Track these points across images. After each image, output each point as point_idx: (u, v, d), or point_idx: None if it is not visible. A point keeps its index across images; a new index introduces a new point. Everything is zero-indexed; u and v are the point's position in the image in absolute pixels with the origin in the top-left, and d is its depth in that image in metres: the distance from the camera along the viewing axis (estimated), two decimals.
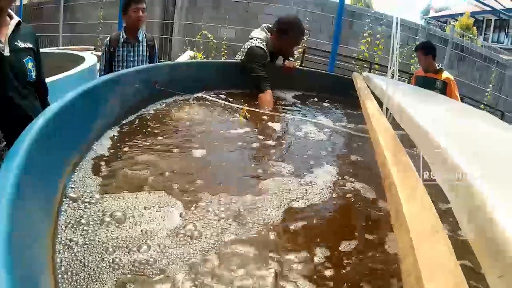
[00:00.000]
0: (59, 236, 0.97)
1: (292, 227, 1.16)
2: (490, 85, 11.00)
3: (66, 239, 0.96)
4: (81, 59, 4.45)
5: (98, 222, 1.05)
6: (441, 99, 2.32)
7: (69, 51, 5.87)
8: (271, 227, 1.14)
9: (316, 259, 1.01)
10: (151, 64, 3.12)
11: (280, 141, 2.00)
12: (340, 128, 2.34)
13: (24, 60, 1.87)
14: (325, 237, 1.13)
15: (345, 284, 0.93)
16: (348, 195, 1.43)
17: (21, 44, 1.86)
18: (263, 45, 2.98)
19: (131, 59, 3.39)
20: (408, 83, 5.80)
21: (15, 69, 1.82)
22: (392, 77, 1.62)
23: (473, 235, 0.53)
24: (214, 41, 10.98)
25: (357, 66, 9.29)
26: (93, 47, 8.98)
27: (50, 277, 0.82)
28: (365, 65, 9.38)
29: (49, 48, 7.92)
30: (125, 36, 3.40)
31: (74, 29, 13.27)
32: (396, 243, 0.69)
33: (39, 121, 1.08)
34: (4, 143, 1.62)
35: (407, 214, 0.64)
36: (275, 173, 1.52)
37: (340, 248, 1.08)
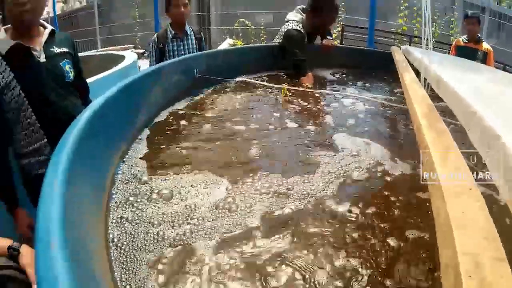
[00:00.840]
0: (111, 214, 1.05)
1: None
2: None
3: (118, 217, 1.05)
4: (121, 58, 4.49)
5: (146, 199, 1.14)
6: (480, 68, 2.27)
7: (109, 52, 5.95)
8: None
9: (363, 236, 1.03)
10: (191, 54, 3.14)
11: (322, 117, 2.03)
12: (377, 100, 2.34)
13: (61, 64, 2.00)
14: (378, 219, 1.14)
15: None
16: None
17: (56, 50, 2.00)
18: (299, 27, 2.99)
19: (182, 53, 3.38)
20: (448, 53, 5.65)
21: (52, 73, 1.95)
22: (427, 47, 1.59)
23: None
24: (252, 27, 10.94)
25: (397, 40, 9.09)
26: (132, 45, 9.13)
27: (103, 249, 0.91)
28: (405, 39, 9.17)
29: (88, 51, 8.04)
30: (173, 32, 3.37)
31: (110, 31, 13.53)
32: None
33: (86, 113, 1.14)
34: (45, 140, 1.70)
35: (440, 173, 0.65)
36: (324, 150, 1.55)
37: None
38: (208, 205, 1.13)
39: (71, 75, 2.04)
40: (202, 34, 3.65)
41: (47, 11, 13.40)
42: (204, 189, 1.22)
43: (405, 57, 2.18)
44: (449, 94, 1.08)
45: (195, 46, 3.47)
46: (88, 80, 3.22)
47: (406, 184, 1.31)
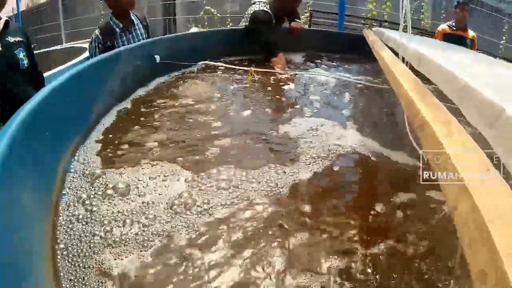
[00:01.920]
0: (60, 215, 0.96)
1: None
2: (504, 38, 10.61)
3: (67, 215, 0.96)
4: (83, 50, 4.36)
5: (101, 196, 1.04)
6: (456, 48, 2.22)
7: (71, 45, 5.80)
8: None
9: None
10: (152, 38, 2.73)
11: (291, 98, 1.98)
12: (349, 79, 2.31)
13: (15, 52, 2.08)
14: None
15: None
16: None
17: (11, 39, 2.09)
18: (266, 8, 2.86)
19: None
20: None
21: (8, 60, 2.04)
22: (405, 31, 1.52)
23: None
24: (218, 15, 10.75)
25: (366, 26, 9.03)
26: None
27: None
28: (374, 24, 9.10)
29: (53, 46, 7.83)
30: (120, 25, 2.90)
31: (76, 25, 13.21)
32: None
33: (29, 104, 1.03)
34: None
35: (451, 153, 0.54)
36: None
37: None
38: (165, 201, 1.03)
39: (26, 62, 2.11)
40: (147, 19, 3.25)
41: (12, 7, 13.10)
42: (162, 181, 1.12)
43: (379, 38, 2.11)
44: (434, 69, 0.98)
45: (145, 35, 3.09)
46: (50, 72, 3.09)
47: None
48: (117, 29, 2.88)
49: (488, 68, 1.20)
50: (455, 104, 0.83)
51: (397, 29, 1.71)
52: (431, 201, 1.09)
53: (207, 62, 2.42)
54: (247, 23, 2.91)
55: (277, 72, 2.42)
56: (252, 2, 2.98)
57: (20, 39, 2.13)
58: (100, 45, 2.85)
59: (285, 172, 1.19)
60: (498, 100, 0.58)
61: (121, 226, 0.93)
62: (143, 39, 3.01)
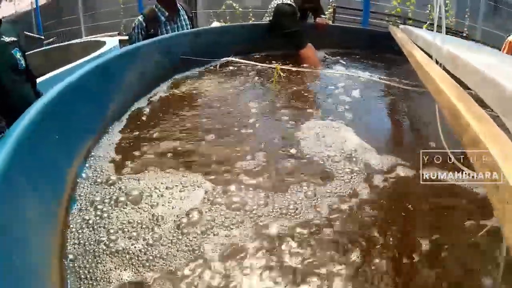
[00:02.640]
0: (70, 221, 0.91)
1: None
2: None
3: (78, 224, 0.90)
4: (102, 44, 4.31)
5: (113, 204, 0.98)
6: (488, 49, 2.12)
7: (89, 39, 5.78)
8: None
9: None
10: (175, 33, 2.72)
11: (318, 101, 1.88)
12: (373, 79, 2.19)
13: (12, 52, 1.98)
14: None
15: None
16: None
17: (6, 39, 1.98)
18: (290, 1, 2.78)
19: None
20: None
21: (6, 61, 1.95)
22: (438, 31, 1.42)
23: None
24: (240, 9, 10.67)
25: (390, 22, 8.91)
26: (117, 32, 8.90)
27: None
28: (398, 21, 8.98)
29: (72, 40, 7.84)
30: (166, 13, 2.84)
31: (95, 19, 13.26)
32: None
33: (38, 104, 0.96)
34: (4, 122, 1.59)
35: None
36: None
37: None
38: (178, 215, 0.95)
39: (23, 62, 2.03)
40: (191, 11, 3.22)
41: (31, 1, 13.19)
42: (180, 192, 1.04)
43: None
44: (473, 74, 0.89)
45: (189, 27, 3.02)
46: (67, 66, 3.06)
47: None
48: (162, 17, 2.84)
49: None
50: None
51: (421, 27, 1.63)
52: None
53: (229, 58, 2.34)
54: (270, 18, 2.82)
55: (304, 70, 2.34)
56: None
57: (14, 39, 2.04)
58: (143, 32, 2.81)
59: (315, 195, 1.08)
60: None
61: (126, 238, 0.87)
62: (188, 30, 2.96)
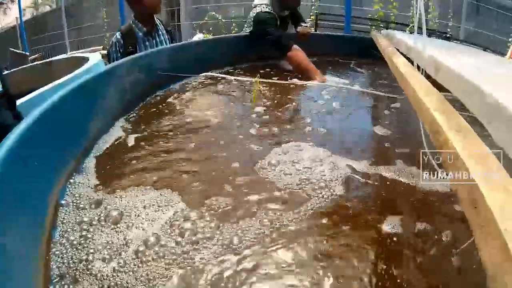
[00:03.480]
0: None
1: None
2: None
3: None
4: (86, 60, 4.26)
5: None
6: (470, 50, 2.11)
7: (74, 55, 5.74)
8: None
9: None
10: (150, 50, 2.49)
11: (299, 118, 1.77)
12: (354, 88, 2.19)
13: None
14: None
15: None
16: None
17: None
18: (269, 9, 2.77)
19: None
20: None
21: None
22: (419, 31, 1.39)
23: None
24: (223, 20, 10.65)
25: (373, 27, 8.92)
26: (101, 47, 8.87)
27: None
28: (382, 25, 8.98)
29: (56, 56, 7.79)
30: (144, 29, 2.78)
31: (80, 33, 13.26)
32: None
33: (17, 131, 0.94)
34: None
35: (493, 207, 0.43)
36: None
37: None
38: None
39: (0, 86, 1.92)
40: (170, 25, 3.18)
41: (16, 17, 13.20)
42: (155, 212, 1.01)
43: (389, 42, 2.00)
44: (455, 80, 0.87)
45: (168, 42, 2.97)
46: (50, 85, 3.01)
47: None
48: (140, 33, 2.79)
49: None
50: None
51: (404, 30, 1.59)
52: None
53: (209, 73, 2.31)
54: (251, 28, 2.81)
55: (285, 83, 2.28)
56: (253, 5, 2.89)
57: None
58: (121, 49, 2.74)
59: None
60: None
61: (100, 259, 0.84)
62: (167, 45, 2.92)
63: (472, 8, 10.23)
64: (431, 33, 7.77)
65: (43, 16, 15.13)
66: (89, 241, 0.90)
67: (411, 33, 1.52)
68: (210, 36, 8.72)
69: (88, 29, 13.07)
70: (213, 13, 10.66)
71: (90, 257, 0.84)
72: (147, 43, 2.81)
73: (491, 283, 0.43)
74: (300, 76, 2.50)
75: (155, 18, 2.89)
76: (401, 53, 1.59)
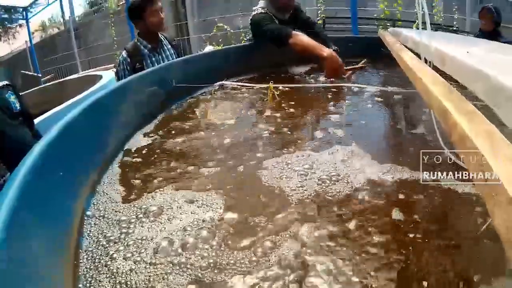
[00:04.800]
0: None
1: None
2: None
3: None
4: (99, 78, 4.33)
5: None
6: (475, 40, 2.12)
7: (86, 73, 5.81)
8: None
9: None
10: (163, 64, 2.46)
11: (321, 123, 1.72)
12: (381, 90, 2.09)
13: (6, 96, 1.99)
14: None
15: None
16: None
17: None
18: (264, 10, 2.71)
19: None
20: None
21: (1, 106, 1.94)
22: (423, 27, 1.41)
23: None
24: (232, 31, 10.67)
25: (380, 26, 8.90)
26: (113, 64, 8.97)
27: None
28: (388, 24, 8.97)
29: (69, 76, 7.86)
30: (148, 45, 2.87)
31: (90, 53, 13.41)
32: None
33: (39, 145, 0.96)
34: (8, 174, 1.63)
35: (505, 180, 0.46)
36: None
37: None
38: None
39: (18, 105, 2.03)
40: (175, 39, 3.25)
41: (25, 40, 13.41)
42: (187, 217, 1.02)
43: (396, 39, 2.03)
44: (462, 69, 0.91)
45: (175, 56, 3.05)
46: (65, 104, 3.07)
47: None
48: (145, 50, 2.86)
49: None
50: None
51: (411, 27, 1.60)
52: None
53: (223, 82, 2.30)
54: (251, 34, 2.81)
55: (300, 86, 2.22)
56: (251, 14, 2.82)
57: (7, 82, 2.06)
58: (128, 67, 2.81)
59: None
60: None
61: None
62: (173, 59, 2.95)
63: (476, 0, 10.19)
64: (437, 27, 7.77)
65: (51, 38, 15.31)
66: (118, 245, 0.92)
67: (417, 29, 1.53)
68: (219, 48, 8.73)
69: (97, 49, 13.22)
70: (221, 24, 10.69)
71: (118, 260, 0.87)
72: (153, 59, 2.88)
73: (507, 250, 0.45)
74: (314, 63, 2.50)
75: (159, 34, 2.96)
76: (409, 49, 1.61)
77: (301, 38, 2.44)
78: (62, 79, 5.92)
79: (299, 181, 1.15)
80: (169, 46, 3.03)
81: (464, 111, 0.66)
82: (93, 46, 13.52)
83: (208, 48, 8.43)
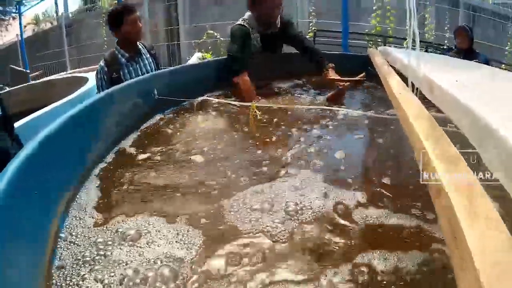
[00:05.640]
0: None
1: None
2: (508, 44, 10.41)
3: None
4: (85, 80, 4.27)
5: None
6: (470, 64, 2.07)
7: (73, 75, 5.76)
8: None
9: None
10: (143, 76, 2.40)
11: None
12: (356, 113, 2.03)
13: None
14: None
15: None
16: None
17: None
18: (245, 23, 2.58)
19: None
20: None
21: None
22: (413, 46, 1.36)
23: None
24: (222, 39, 10.57)
25: (371, 42, 8.92)
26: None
27: None
28: (379, 40, 8.98)
29: (57, 74, 7.78)
30: (126, 54, 2.81)
31: (81, 51, 13.29)
32: None
33: (12, 165, 0.92)
34: None
35: (474, 249, 0.42)
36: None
37: None
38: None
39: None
40: (154, 48, 3.13)
41: (16, 34, 13.26)
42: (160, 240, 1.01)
43: (385, 59, 1.99)
44: (451, 103, 0.87)
45: (153, 65, 2.96)
46: (47, 108, 3.05)
47: None
48: (123, 59, 2.80)
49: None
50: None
51: (402, 44, 1.55)
52: None
53: (205, 98, 2.23)
54: None
55: (283, 106, 2.17)
56: None
57: None
58: (105, 77, 2.77)
59: None
60: None
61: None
62: (152, 69, 2.92)
63: (468, 18, 10.26)
64: (428, 45, 7.78)
65: (44, 33, 15.16)
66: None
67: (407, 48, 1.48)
68: (208, 55, 8.69)
69: (89, 47, 13.12)
70: (211, 31, 10.61)
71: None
72: (131, 68, 2.82)
73: None
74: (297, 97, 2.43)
75: (137, 43, 2.90)
76: (398, 71, 1.58)
77: (244, 83, 2.41)
78: (50, 78, 5.89)
79: None
80: (148, 55, 2.95)
81: (445, 156, 0.62)
82: (85, 44, 13.38)
83: (196, 55, 8.39)
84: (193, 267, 0.91)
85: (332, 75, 2.51)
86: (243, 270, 0.90)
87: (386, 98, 1.45)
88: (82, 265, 0.92)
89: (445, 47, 7.26)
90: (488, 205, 0.49)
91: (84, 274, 0.88)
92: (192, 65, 2.63)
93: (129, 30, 2.77)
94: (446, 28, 9.66)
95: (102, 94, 1.71)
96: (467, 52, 4.62)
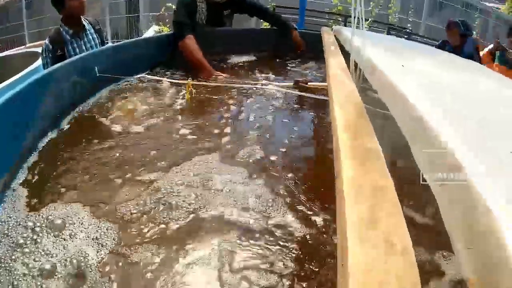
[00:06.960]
0: None
1: None
2: (474, 33, 10.47)
3: None
4: (38, 55, 4.14)
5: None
6: (424, 49, 2.01)
7: (27, 50, 5.70)
8: None
9: None
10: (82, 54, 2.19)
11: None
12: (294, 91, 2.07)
13: None
14: None
15: None
16: None
17: None
18: None
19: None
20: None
21: None
22: (358, 26, 1.27)
23: None
24: None
25: (331, 21, 8.83)
26: None
27: None
28: (340, 19, 8.89)
29: (13, 49, 7.55)
30: (70, 31, 2.76)
31: (41, 24, 12.90)
32: None
33: None
34: None
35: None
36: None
37: None
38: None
39: None
40: (99, 23, 3.09)
41: None
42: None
43: (336, 38, 1.89)
44: (386, 89, 0.78)
45: (97, 40, 2.95)
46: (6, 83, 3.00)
47: None
48: (67, 36, 2.76)
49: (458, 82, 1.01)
50: None
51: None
52: None
53: (143, 75, 2.20)
54: None
55: (220, 84, 2.15)
56: None
57: None
58: (51, 55, 2.72)
59: None
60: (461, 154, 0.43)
61: None
62: (96, 44, 2.90)
63: (435, 5, 10.28)
64: (390, 28, 7.75)
65: (6, 4, 14.72)
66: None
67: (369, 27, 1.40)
68: (166, 29, 8.56)
69: (48, 20, 12.76)
70: (170, 4, 10.39)
71: None
72: (75, 44, 2.79)
73: None
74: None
75: (82, 19, 2.85)
76: (347, 52, 1.50)
77: (191, 46, 2.44)
78: (4, 54, 5.76)
79: None
80: (92, 31, 2.93)
81: (360, 151, 0.53)
82: (45, 17, 13.00)
83: (153, 29, 8.25)
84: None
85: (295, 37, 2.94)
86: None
87: None
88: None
89: (408, 30, 7.27)
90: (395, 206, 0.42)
91: None
92: (133, 41, 2.49)
93: (73, 4, 2.70)
94: (410, 11, 9.68)
95: (34, 78, 1.60)
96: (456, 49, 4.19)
